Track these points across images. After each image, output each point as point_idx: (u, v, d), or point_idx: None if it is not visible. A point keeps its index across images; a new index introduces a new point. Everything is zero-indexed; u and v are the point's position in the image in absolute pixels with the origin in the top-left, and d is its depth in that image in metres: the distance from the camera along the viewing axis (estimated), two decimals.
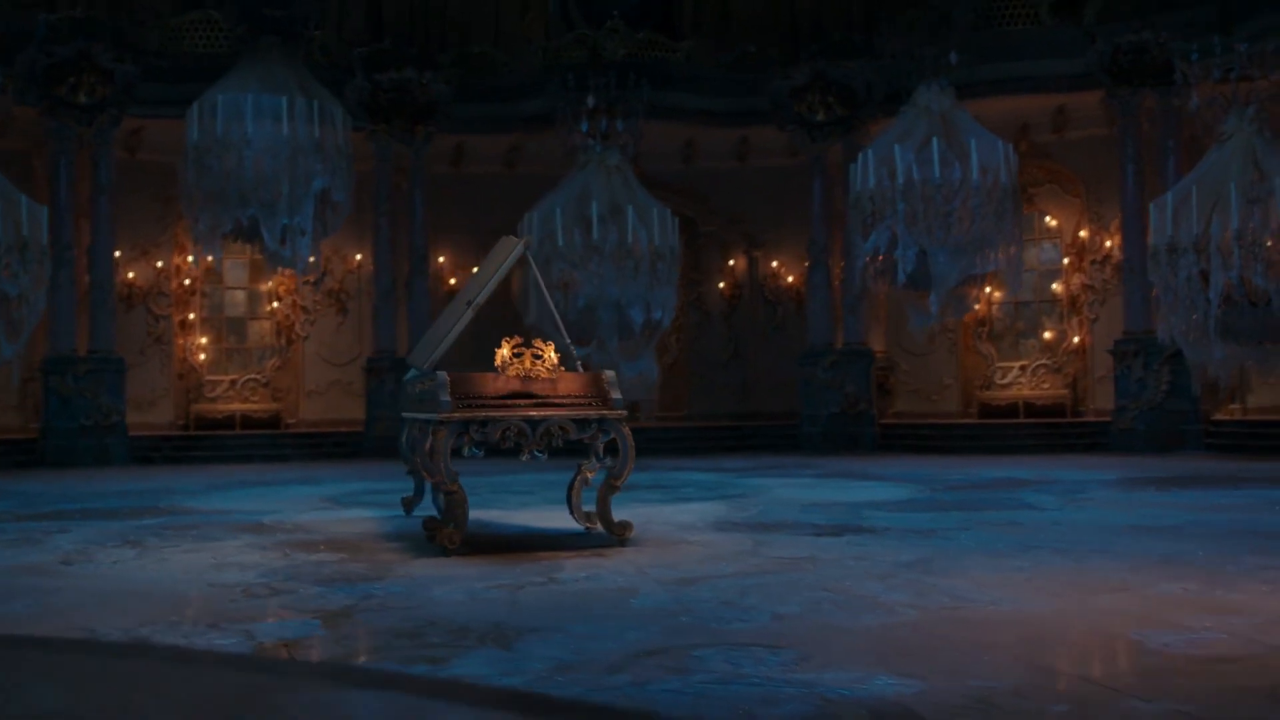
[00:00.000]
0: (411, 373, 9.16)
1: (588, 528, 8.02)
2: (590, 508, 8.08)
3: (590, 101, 16.32)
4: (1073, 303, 20.46)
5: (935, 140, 15.04)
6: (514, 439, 7.27)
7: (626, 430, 7.43)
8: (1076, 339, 20.38)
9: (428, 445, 7.65)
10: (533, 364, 7.43)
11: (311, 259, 16.47)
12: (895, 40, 17.51)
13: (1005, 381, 20.81)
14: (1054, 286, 20.41)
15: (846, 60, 18.50)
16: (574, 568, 6.44)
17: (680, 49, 19.21)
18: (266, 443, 18.55)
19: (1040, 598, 5.28)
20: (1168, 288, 14.27)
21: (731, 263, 22.07)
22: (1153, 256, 14.65)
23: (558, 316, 8.15)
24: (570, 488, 8.12)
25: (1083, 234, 20.07)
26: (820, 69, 18.64)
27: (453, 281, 21.16)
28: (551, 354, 7.50)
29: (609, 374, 7.61)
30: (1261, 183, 13.51)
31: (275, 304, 20.49)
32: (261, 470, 15.42)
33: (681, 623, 4.88)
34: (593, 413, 7.37)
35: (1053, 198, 20.25)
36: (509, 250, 8.24)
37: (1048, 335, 20.62)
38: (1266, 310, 13.43)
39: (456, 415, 7.13)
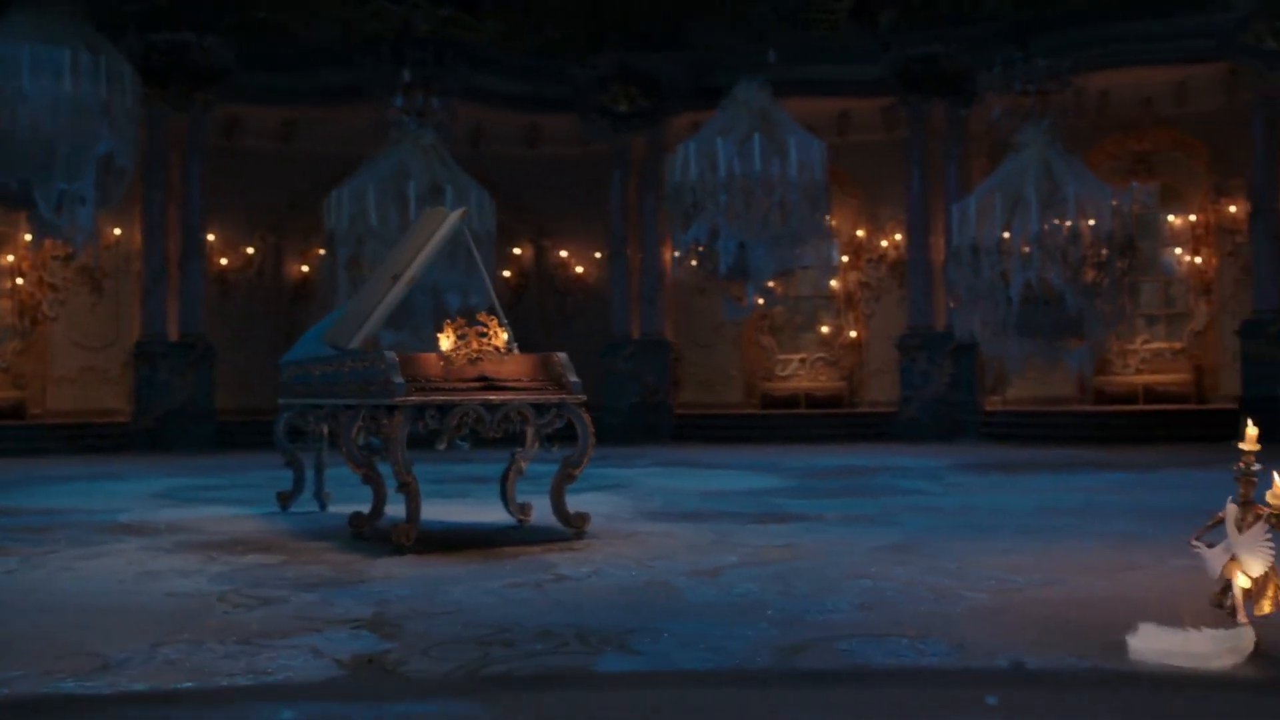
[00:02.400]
0: (301, 351, 8.35)
1: (521, 520, 7.59)
2: (525, 499, 7.68)
3: (406, 76, 15.51)
4: (849, 299, 21.43)
5: (756, 136, 15.30)
6: (471, 425, 6.73)
7: (586, 416, 7.04)
8: (853, 334, 21.35)
9: (354, 432, 7.00)
10: (480, 344, 6.91)
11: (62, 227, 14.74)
12: (705, 35, 17.71)
13: (786, 374, 21.55)
14: (831, 283, 21.26)
15: (652, 52, 18.54)
16: (567, 563, 6.02)
17: (483, 29, 18.64)
18: (18, 434, 16.54)
19: (1079, 578, 5.37)
20: (970, 286, 15.16)
21: (518, 251, 21.67)
22: (954, 256, 15.54)
23: (494, 296, 7.62)
24: (504, 478, 7.65)
25: (860, 233, 21.04)
26: (624, 60, 18.59)
27: (224, 262, 19.67)
28: (499, 331, 7.00)
29: (562, 356, 7.20)
30: (1056, 191, 14.60)
31: (18, 280, 18.30)
32: (27, 464, 13.70)
33: (774, 616, 4.62)
34: (553, 396, 6.94)
35: (831, 198, 21.09)
36: (439, 222, 7.64)
37: (825, 330, 21.50)
38: (1060, 308, 14.52)
39: (414, 399, 6.52)
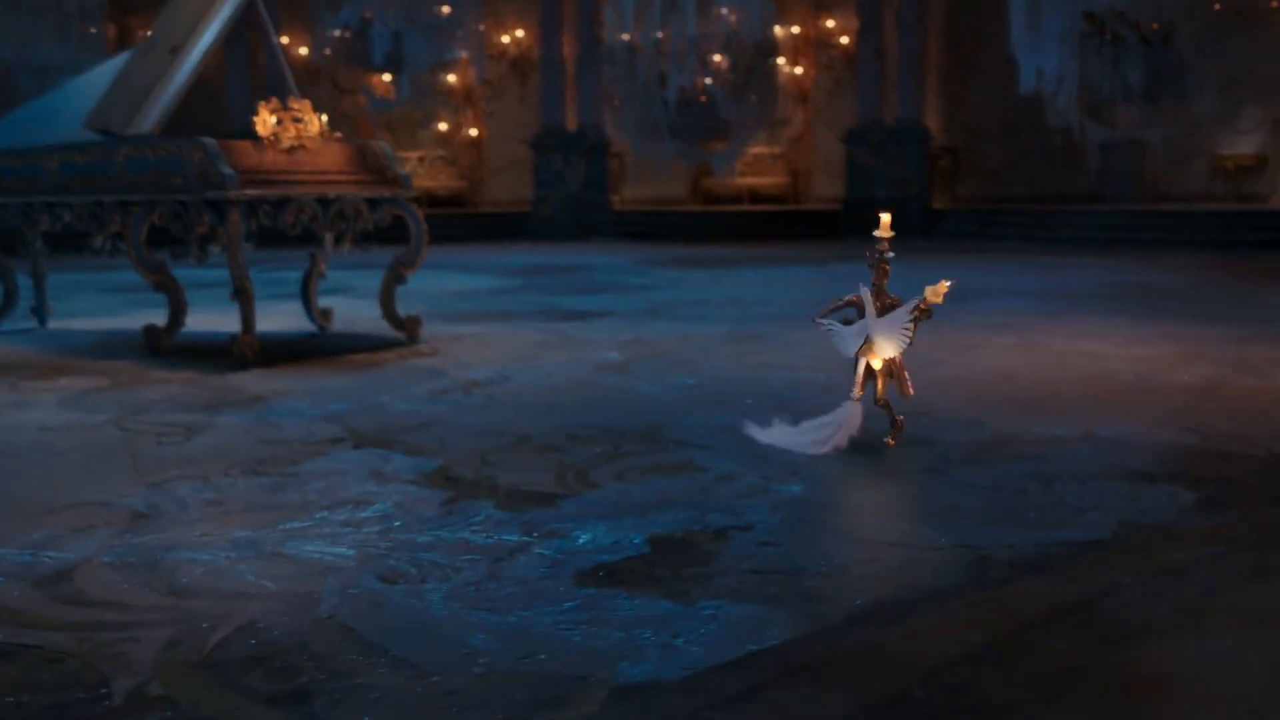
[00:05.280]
0: (12, 137, 6.91)
1: (323, 327, 7.00)
2: (326, 304, 7.07)
3: None
4: (468, 96, 20.91)
5: None
6: (306, 222, 5.99)
7: (419, 212, 6.51)
8: (473, 132, 20.96)
9: (142, 232, 6.00)
10: (297, 130, 6.10)
11: None
12: None
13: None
14: (449, 79, 20.60)
15: None
16: (455, 369, 5.65)
17: None
18: None
19: (961, 357, 5.88)
20: (627, 88, 15.34)
21: (94, 31, 18.85)
22: (609, 56, 15.58)
23: (289, 75, 6.68)
24: (305, 283, 6.98)
25: (480, 27, 20.43)
26: None
27: None
28: (314, 117, 6.21)
29: (382, 145, 6.55)
30: None
31: None
32: None
33: (760, 404, 4.68)
34: (385, 191, 6.32)
35: None
36: None
37: (443, 127, 20.90)
38: (711, 111, 15.13)
39: (250, 193, 5.66)
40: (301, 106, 6.15)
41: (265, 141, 5.95)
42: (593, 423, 4.35)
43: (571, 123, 18.48)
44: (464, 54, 15.48)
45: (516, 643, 2.28)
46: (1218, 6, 10.66)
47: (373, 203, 6.26)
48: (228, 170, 5.60)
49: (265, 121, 5.96)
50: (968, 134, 19.21)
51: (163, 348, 6.08)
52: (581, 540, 2.92)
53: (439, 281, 10.60)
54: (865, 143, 17.62)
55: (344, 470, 3.66)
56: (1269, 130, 17.23)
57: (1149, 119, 12.18)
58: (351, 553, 2.84)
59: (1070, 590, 2.56)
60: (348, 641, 2.30)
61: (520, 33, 20.35)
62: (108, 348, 6.40)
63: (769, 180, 20.91)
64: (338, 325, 7.22)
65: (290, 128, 6.04)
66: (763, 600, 2.52)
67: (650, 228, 18.43)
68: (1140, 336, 6.58)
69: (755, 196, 20.66)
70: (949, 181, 19.08)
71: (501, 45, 20.58)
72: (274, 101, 6.05)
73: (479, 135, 20.96)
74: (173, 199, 5.81)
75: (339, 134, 6.37)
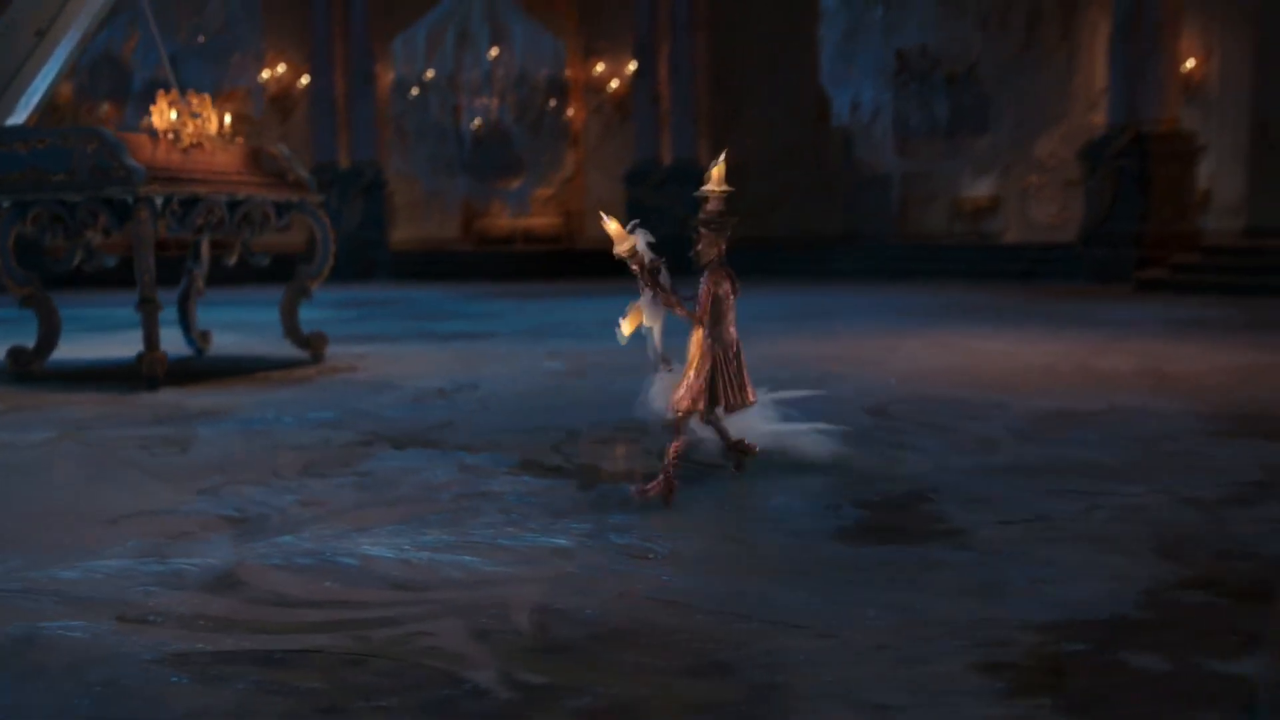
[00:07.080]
0: None
1: (202, 349, 6.31)
2: (206, 327, 6.39)
3: None
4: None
5: None
6: (213, 225, 5.37)
7: (326, 219, 5.97)
8: None
9: (10, 239, 5.22)
10: (196, 127, 5.50)
11: None
12: None
13: None
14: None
15: None
16: (402, 379, 5.19)
17: None
18: None
19: (871, 353, 5.96)
20: (419, 122, 14.88)
21: None
22: (396, 89, 15.08)
23: (166, 60, 6.00)
24: (183, 300, 6.26)
25: (238, 56, 19.37)
26: None
27: None
28: (212, 113, 5.62)
29: (281, 148, 5.99)
30: (500, 32, 14.83)
31: None
32: None
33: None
34: (292, 195, 5.76)
35: None
36: None
37: None
38: (507, 147, 14.91)
39: (158, 190, 5.01)
40: (200, 101, 5.55)
41: (162, 137, 5.30)
42: (623, 418, 4.06)
43: (344, 159, 17.75)
44: (237, 85, 14.55)
45: (871, 600, 2.04)
46: (1020, 38, 11.54)
47: (280, 206, 5.70)
48: (134, 164, 4.93)
49: (164, 114, 5.32)
50: (732, 176, 19.86)
51: (34, 371, 5.27)
52: (793, 508, 2.69)
53: (261, 314, 9.84)
54: (645, 183, 17.86)
55: (421, 468, 3.25)
56: (1000, 174, 18.82)
57: (943, 154, 12.98)
58: (559, 538, 2.49)
59: None
60: (686, 614, 1.98)
61: (282, 67, 19.44)
62: None
63: (543, 221, 20.83)
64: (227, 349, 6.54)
65: (189, 123, 5.43)
66: (1049, 542, 2.38)
67: (431, 267, 17.91)
68: (1028, 338, 6.89)
69: (529, 237, 20.52)
70: None
71: (261, 80, 19.59)
72: (173, 94, 5.41)
73: None
74: (55, 199, 5.06)
75: (239, 135, 5.76)
